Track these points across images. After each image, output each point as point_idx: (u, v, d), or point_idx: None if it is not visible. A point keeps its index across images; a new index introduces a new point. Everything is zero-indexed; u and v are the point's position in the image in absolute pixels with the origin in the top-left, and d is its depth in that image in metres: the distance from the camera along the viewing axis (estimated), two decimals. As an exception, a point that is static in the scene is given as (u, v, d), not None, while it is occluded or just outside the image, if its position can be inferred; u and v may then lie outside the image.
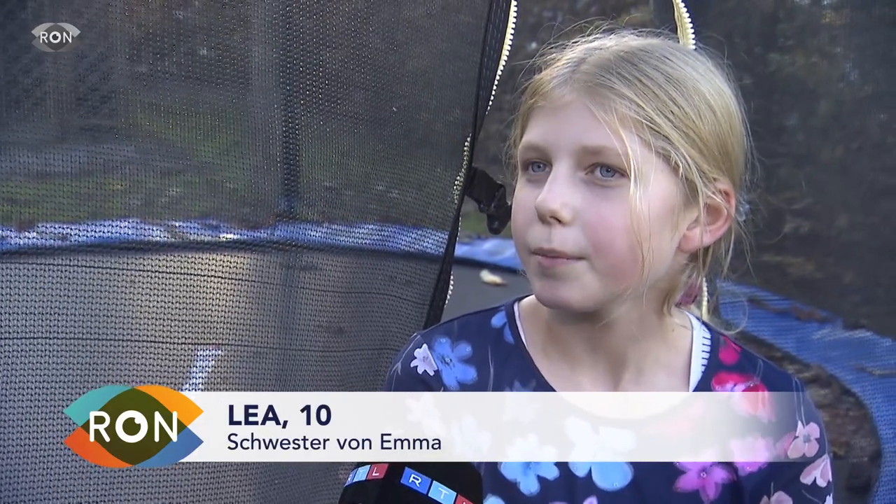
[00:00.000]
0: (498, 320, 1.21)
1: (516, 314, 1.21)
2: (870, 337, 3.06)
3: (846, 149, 3.10)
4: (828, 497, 1.18)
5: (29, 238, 1.82)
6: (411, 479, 0.95)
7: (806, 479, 1.15)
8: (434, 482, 0.96)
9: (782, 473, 1.14)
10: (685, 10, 1.52)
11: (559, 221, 1.04)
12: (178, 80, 1.89)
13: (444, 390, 1.16)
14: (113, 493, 1.75)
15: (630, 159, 1.02)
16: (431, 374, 1.16)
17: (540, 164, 1.09)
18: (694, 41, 1.50)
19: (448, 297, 1.81)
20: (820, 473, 1.16)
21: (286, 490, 1.94)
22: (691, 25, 1.51)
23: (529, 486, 1.13)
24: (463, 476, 0.98)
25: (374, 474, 0.96)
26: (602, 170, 1.04)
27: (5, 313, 1.60)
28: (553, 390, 1.15)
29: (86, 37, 1.85)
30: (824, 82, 3.07)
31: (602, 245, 1.04)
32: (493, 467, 1.13)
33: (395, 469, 0.96)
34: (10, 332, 1.60)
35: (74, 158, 1.71)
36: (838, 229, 3.21)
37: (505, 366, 1.17)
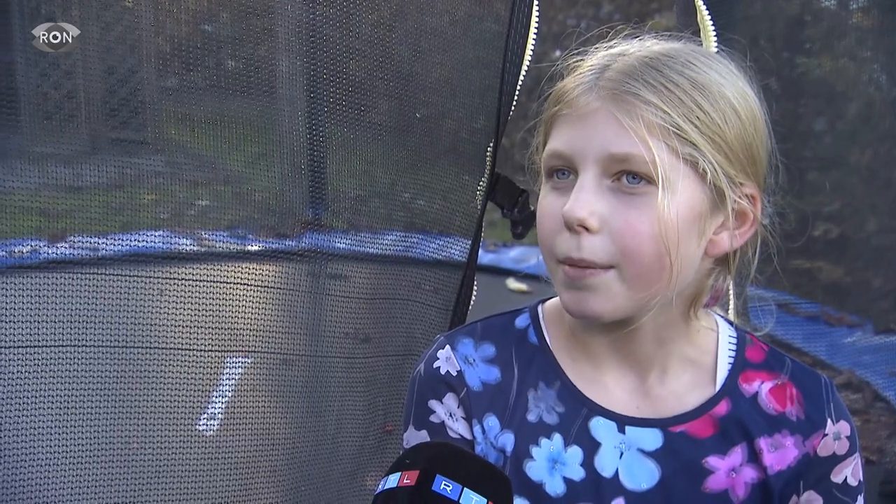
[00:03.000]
0: (522, 321, 1.22)
1: (540, 316, 1.21)
2: (901, 341, 3.03)
3: (875, 152, 3.07)
4: (859, 496, 1.16)
5: (60, 249, 1.85)
6: (442, 485, 0.95)
7: (836, 477, 1.14)
8: (465, 489, 0.95)
9: (812, 472, 1.13)
10: (707, 13, 1.51)
11: (587, 230, 1.04)
12: (205, 91, 1.91)
13: (467, 390, 1.16)
14: (141, 499, 1.77)
15: (657, 166, 1.01)
16: (454, 374, 1.17)
17: (565, 171, 1.08)
18: (716, 44, 1.50)
19: (472, 302, 1.81)
20: (851, 472, 1.14)
21: (312, 496, 1.95)
22: (714, 29, 1.50)
23: (556, 488, 1.12)
24: (494, 482, 0.98)
25: (405, 481, 0.95)
26: (629, 177, 1.03)
27: (37, 323, 1.62)
28: (578, 390, 1.15)
29: (115, 50, 1.88)
30: (852, 85, 3.04)
31: (630, 252, 1.03)
32: (518, 468, 1.13)
33: (427, 476, 0.96)
34: (41, 341, 1.62)
35: (105, 171, 1.73)
36: (867, 233, 3.17)
37: (529, 366, 1.17)
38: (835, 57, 3.09)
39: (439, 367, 1.18)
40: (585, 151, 1.05)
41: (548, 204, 1.09)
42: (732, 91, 1.07)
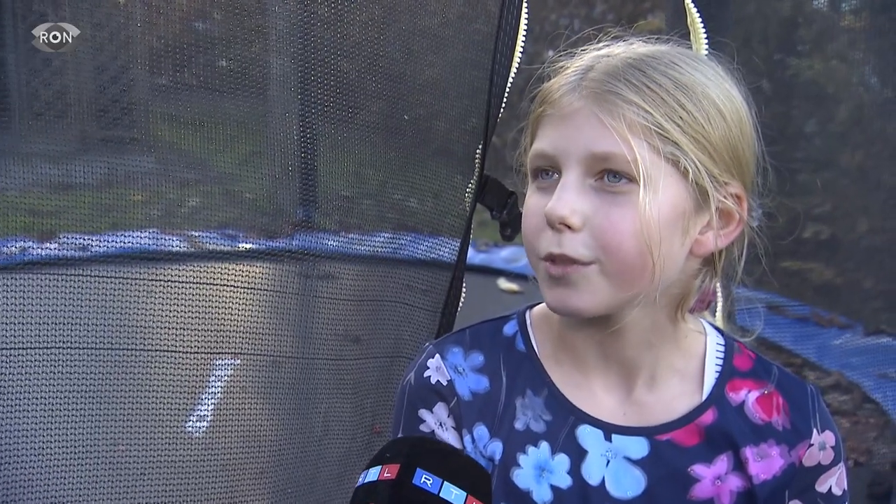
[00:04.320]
0: (510, 328, 1.21)
1: (528, 322, 1.21)
2: (891, 343, 3.03)
3: (866, 153, 3.08)
4: None
5: (50, 249, 1.84)
6: (423, 479, 0.95)
7: (821, 487, 1.14)
8: (445, 482, 0.96)
9: (797, 481, 1.13)
10: (698, 15, 1.51)
11: (569, 228, 1.04)
12: (197, 91, 1.90)
13: (457, 400, 1.15)
14: (128, 501, 1.76)
15: (639, 165, 1.01)
16: (444, 383, 1.16)
17: (549, 171, 1.08)
18: (707, 47, 1.49)
19: (461, 304, 1.81)
20: (836, 482, 1.15)
21: (299, 498, 1.95)
22: (704, 31, 1.50)
23: (542, 495, 1.12)
24: (473, 476, 0.98)
25: (385, 475, 0.96)
26: (611, 176, 1.03)
27: (25, 323, 1.61)
28: (565, 398, 1.15)
29: (106, 49, 1.87)
30: (843, 87, 3.05)
31: (611, 249, 1.03)
32: (505, 476, 1.13)
33: (407, 469, 0.96)
34: (28, 342, 1.62)
35: (95, 170, 1.72)
36: (858, 234, 3.18)
37: (517, 374, 1.17)
38: (826, 58, 3.10)
39: (430, 376, 1.17)
40: (568, 151, 1.05)
41: (532, 204, 1.10)
42: (717, 92, 1.07)
